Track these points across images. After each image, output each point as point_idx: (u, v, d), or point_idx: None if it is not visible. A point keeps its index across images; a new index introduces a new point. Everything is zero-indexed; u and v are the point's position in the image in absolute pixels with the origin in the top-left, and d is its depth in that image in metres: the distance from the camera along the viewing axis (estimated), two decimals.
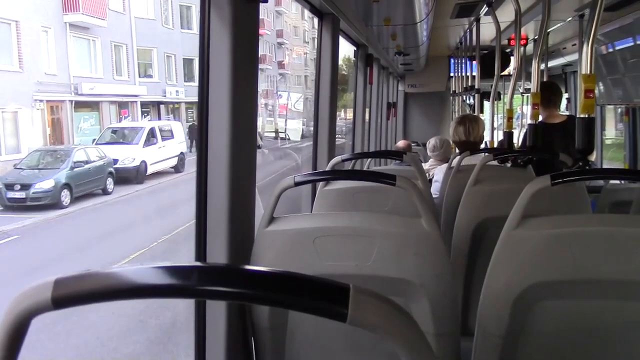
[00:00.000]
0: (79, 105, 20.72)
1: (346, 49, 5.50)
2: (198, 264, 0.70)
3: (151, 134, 19.33)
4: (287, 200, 2.02)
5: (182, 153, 20.32)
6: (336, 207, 2.64)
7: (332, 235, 1.73)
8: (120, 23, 23.44)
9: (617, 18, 4.86)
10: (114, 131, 19.93)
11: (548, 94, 4.27)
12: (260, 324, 1.77)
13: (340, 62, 3.98)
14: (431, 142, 5.11)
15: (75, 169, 15.17)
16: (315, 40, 3.94)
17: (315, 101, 3.79)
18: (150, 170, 18.24)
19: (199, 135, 1.86)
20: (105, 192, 15.84)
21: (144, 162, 17.92)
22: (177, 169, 19.83)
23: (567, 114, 6.83)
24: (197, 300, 1.88)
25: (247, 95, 1.88)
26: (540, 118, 4.16)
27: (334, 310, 0.64)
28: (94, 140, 19.25)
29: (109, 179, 16.08)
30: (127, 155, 17.57)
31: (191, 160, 20.14)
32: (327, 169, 3.08)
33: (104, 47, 22.43)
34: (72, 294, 0.67)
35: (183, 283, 0.67)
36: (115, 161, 16.87)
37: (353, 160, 4.20)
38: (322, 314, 0.64)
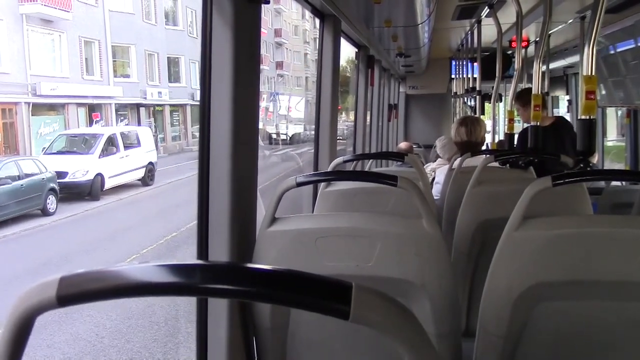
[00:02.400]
0: (38, 108, 18.19)
1: (348, 51, 5.52)
2: (201, 262, 0.71)
3: (110, 142, 16.74)
4: (288, 202, 2.02)
5: (151, 163, 17.73)
6: (337, 208, 2.65)
7: (334, 235, 1.74)
8: (92, 17, 20.95)
9: (619, 20, 4.87)
10: (71, 138, 17.13)
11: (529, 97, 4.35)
12: (261, 324, 1.78)
13: (342, 63, 3.99)
14: (441, 142, 5.10)
15: (1, 187, 12.30)
16: (317, 40, 3.94)
17: (316, 102, 3.80)
18: (110, 184, 15.68)
19: (201, 136, 1.86)
20: (45, 212, 13.04)
21: (100, 175, 15.27)
22: (145, 181, 17.28)
23: (556, 115, 6.91)
24: (199, 301, 1.89)
25: (249, 96, 1.89)
26: (524, 121, 4.24)
27: (336, 308, 0.64)
28: (43, 148, 16.73)
29: (50, 196, 13.31)
30: (79, 167, 14.92)
31: (163, 171, 18.03)
32: (328, 170, 3.09)
33: (70, 43, 19.83)
34: (76, 292, 0.68)
35: (187, 281, 0.67)
36: (64, 174, 14.25)
37: (354, 162, 4.21)
38: (325, 311, 0.65)
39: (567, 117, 9.30)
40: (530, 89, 4.55)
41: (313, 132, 3.92)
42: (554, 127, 4.50)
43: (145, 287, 0.68)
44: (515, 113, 4.77)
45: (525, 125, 4.91)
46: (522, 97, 4.67)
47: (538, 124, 3.99)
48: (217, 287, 0.67)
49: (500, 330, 1.60)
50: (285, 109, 38.37)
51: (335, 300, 0.64)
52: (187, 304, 7.72)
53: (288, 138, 32.27)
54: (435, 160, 5.40)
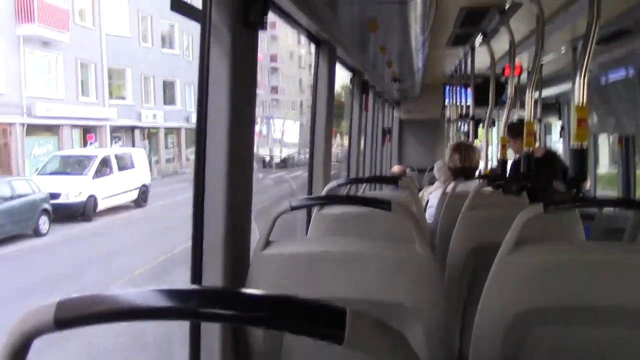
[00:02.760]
0: (33, 129, 18.19)
1: (342, 76, 5.56)
2: (197, 287, 0.71)
3: (104, 163, 16.76)
4: (281, 222, 2.02)
5: (144, 185, 17.75)
6: (331, 231, 2.65)
7: (328, 259, 1.74)
8: (89, 39, 21.11)
9: (609, 50, 4.94)
10: (65, 159, 17.08)
11: (521, 130, 4.45)
12: (254, 349, 1.77)
13: (337, 88, 4.03)
14: (438, 165, 5.11)
15: None
16: (312, 66, 3.98)
17: (311, 127, 3.82)
18: (103, 205, 15.67)
19: (196, 158, 1.87)
20: (37, 233, 13.00)
21: (92, 196, 15.26)
22: (138, 203, 17.32)
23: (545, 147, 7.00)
24: (192, 326, 1.88)
25: (245, 121, 1.91)
26: (515, 152, 4.32)
27: (330, 333, 0.65)
28: (36, 169, 16.66)
29: (42, 217, 13.29)
30: (72, 189, 14.88)
31: (157, 193, 17.92)
32: (322, 194, 3.10)
33: (67, 64, 19.93)
34: (74, 316, 0.69)
35: (183, 305, 0.68)
36: (57, 195, 14.16)
37: (348, 185, 4.22)
38: (319, 336, 0.65)
39: (560, 143, 9.39)
40: (521, 121, 4.62)
41: (307, 156, 3.93)
42: (546, 159, 4.57)
43: (142, 311, 0.68)
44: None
45: (516, 156, 4.98)
46: (513, 130, 4.74)
47: (531, 150, 4.03)
48: (214, 312, 0.68)
49: (493, 356, 1.60)
50: (280, 132, 38.46)
51: (329, 325, 0.65)
52: (180, 326, 7.62)
53: (281, 161, 32.15)
54: (432, 184, 5.43)
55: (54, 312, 0.68)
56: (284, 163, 32.26)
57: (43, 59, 19.33)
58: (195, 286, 0.72)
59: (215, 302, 0.68)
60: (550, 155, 4.90)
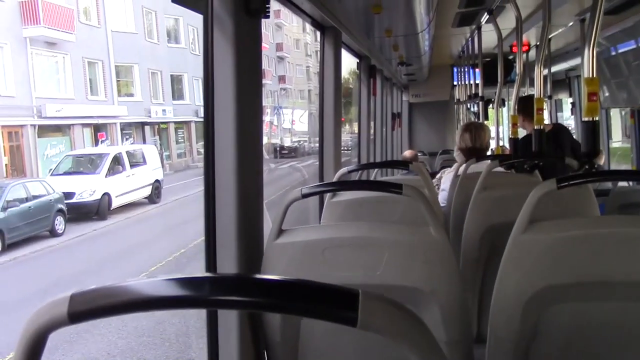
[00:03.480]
0: (44, 130, 18.32)
1: (349, 62, 5.54)
2: (210, 274, 0.71)
3: (116, 161, 16.79)
4: (295, 213, 2.02)
5: (157, 181, 17.76)
6: (344, 218, 2.65)
7: (341, 245, 1.74)
8: (95, 37, 21.10)
9: (619, 21, 4.88)
10: (77, 158, 17.13)
11: (528, 105, 4.42)
12: (272, 338, 1.77)
13: (344, 74, 4.02)
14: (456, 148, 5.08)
15: (10, 209, 12.40)
16: (318, 53, 3.96)
17: (319, 114, 3.81)
18: (117, 203, 15.75)
19: (205, 150, 1.88)
20: (53, 233, 13.13)
21: (107, 194, 15.37)
22: (152, 199, 17.33)
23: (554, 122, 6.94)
24: (209, 316, 1.89)
25: (252, 109, 1.90)
26: (528, 130, 4.28)
27: (344, 315, 0.65)
28: (50, 170, 16.72)
29: (58, 217, 13.42)
30: (86, 188, 14.97)
31: (170, 188, 17.97)
32: (333, 181, 3.09)
33: (74, 64, 19.98)
34: (87, 308, 0.69)
35: (196, 294, 0.68)
36: (71, 195, 14.33)
37: (359, 172, 4.21)
38: (333, 319, 0.65)
39: (572, 119, 9.30)
40: (529, 96, 4.58)
41: (317, 144, 3.93)
42: (554, 132, 4.52)
43: (156, 301, 0.68)
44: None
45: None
46: (522, 105, 4.68)
47: (542, 127, 4.00)
48: (227, 298, 0.68)
49: (511, 335, 1.60)
50: (289, 122, 38.42)
51: (342, 308, 0.65)
52: (197, 320, 7.73)
53: (292, 151, 32.12)
54: (443, 168, 5.40)
55: (67, 305, 0.69)
56: (294, 152, 32.21)
57: (50, 59, 19.38)
58: (207, 274, 0.71)
59: (227, 289, 0.68)
60: (557, 128, 4.84)
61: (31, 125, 17.76)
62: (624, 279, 1.52)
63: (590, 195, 2.56)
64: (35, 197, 13.34)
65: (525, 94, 8.11)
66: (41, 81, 18.58)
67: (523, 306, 1.57)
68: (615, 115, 7.91)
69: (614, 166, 7.55)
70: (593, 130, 2.86)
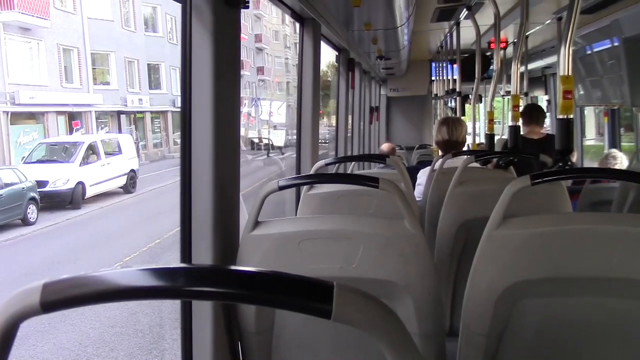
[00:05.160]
0: (17, 117, 17.95)
1: (328, 55, 5.53)
2: (185, 265, 0.71)
3: (91, 150, 16.61)
4: (271, 205, 2.02)
5: (132, 170, 17.59)
6: (320, 211, 2.65)
7: (317, 238, 1.74)
8: (70, 24, 20.60)
9: (595, 20, 4.94)
10: (51, 147, 16.91)
11: (531, 111, 4.53)
12: (246, 328, 1.77)
13: (323, 67, 4.01)
14: None
15: None
16: (297, 45, 3.95)
17: (297, 106, 3.80)
18: (91, 192, 15.56)
19: (182, 141, 1.86)
20: (25, 222, 13.00)
21: (81, 183, 15.13)
22: (127, 189, 17.19)
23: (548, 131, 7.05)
24: (184, 307, 1.88)
25: (230, 101, 1.89)
26: (522, 132, 4.34)
27: (318, 308, 0.65)
28: (22, 158, 16.48)
29: (30, 206, 13.27)
30: (60, 176, 14.78)
31: (145, 178, 17.88)
32: (310, 173, 3.09)
33: (49, 50, 19.53)
34: (60, 298, 0.68)
35: (170, 284, 0.67)
36: (44, 183, 14.18)
37: (337, 165, 4.22)
38: (307, 311, 0.65)
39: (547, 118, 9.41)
40: (533, 105, 4.65)
41: (295, 137, 3.92)
42: (542, 141, 4.53)
43: (130, 291, 0.68)
44: (495, 114, 4.84)
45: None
46: (525, 114, 4.72)
47: (518, 124, 4.04)
48: (201, 289, 0.68)
49: (483, 329, 1.62)
50: (267, 113, 38.23)
51: (317, 300, 0.65)
52: (171, 311, 7.68)
53: (271, 143, 31.99)
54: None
55: (39, 294, 0.68)
56: (273, 145, 32.00)
57: (24, 45, 18.98)
58: (182, 265, 0.71)
59: (202, 279, 0.67)
60: (549, 139, 4.88)
61: (4, 112, 17.35)
62: (596, 274, 1.55)
63: (564, 192, 2.60)
64: (7, 184, 13.14)
65: (502, 90, 8.21)
66: (14, 67, 18.15)
67: (495, 301, 1.59)
68: (590, 113, 8.03)
69: (587, 164, 7.68)
70: (567, 128, 2.90)
